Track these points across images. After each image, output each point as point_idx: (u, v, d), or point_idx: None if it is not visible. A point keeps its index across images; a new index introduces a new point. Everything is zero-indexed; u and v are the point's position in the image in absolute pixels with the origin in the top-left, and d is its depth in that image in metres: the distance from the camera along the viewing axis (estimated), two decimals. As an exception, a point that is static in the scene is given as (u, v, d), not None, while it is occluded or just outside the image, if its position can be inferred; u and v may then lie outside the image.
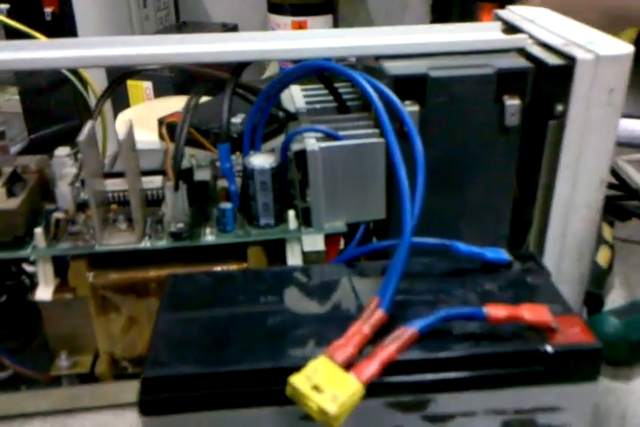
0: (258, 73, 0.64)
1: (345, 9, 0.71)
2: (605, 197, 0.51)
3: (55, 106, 0.59)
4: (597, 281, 0.39)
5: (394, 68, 0.28)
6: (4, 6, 0.54)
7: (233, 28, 0.71)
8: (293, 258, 0.30)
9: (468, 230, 0.32)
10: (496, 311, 0.21)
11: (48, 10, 0.54)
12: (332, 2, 0.65)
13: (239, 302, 0.23)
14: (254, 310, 0.23)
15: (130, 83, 0.60)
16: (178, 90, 0.59)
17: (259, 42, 0.29)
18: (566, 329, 0.22)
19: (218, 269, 0.30)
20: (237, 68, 0.30)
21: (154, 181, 0.32)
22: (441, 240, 0.25)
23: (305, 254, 0.30)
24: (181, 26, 0.72)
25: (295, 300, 0.23)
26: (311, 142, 0.28)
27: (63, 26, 0.56)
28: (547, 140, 0.29)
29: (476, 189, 0.30)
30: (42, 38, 0.37)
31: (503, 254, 0.25)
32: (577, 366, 0.21)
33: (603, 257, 0.40)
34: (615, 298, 0.41)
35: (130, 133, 0.28)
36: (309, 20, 0.63)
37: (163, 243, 0.29)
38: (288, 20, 0.64)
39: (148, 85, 0.59)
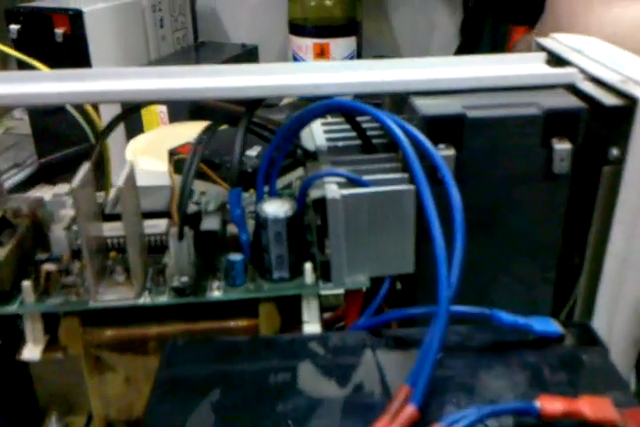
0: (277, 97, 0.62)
1: (369, 30, 0.69)
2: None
3: (66, 128, 0.56)
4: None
5: (426, 106, 0.25)
6: (15, 27, 0.52)
7: (253, 49, 0.69)
8: (310, 315, 0.27)
9: (511, 285, 0.28)
10: (552, 406, 0.18)
11: (59, 31, 0.52)
12: (356, 23, 0.62)
13: (244, 383, 0.20)
14: (261, 393, 0.20)
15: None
16: (194, 114, 0.56)
17: (275, 75, 0.26)
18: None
19: (226, 325, 0.27)
20: (252, 103, 0.27)
21: (158, 226, 0.29)
22: (481, 309, 0.22)
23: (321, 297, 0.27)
24: (199, 46, 0.70)
25: (310, 380, 0.20)
26: (332, 189, 0.25)
27: (75, 47, 0.54)
28: (600, 189, 0.26)
29: (519, 244, 0.27)
30: (44, 69, 0.35)
31: (553, 325, 0.22)
32: (648, 476, 0.18)
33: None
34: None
35: (130, 172, 0.25)
36: (332, 42, 0.61)
37: (164, 299, 0.26)
38: (310, 42, 0.61)
39: (162, 109, 0.57)
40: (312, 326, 0.27)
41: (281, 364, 0.21)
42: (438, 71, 0.27)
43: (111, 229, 0.28)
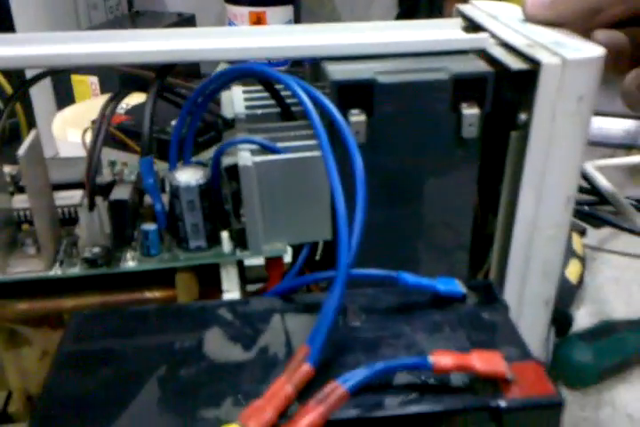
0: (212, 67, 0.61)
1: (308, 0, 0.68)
2: (577, 202, 0.49)
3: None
4: (566, 298, 0.37)
5: (337, 72, 0.25)
6: None
7: (189, 19, 0.67)
8: (229, 284, 0.27)
9: (426, 249, 0.29)
10: (444, 360, 0.18)
11: (-21, -2, 0.49)
12: (293, -8, 0.61)
13: (149, 350, 0.20)
14: (166, 359, 0.20)
15: (74, 78, 0.56)
16: (126, 85, 0.55)
17: (185, 39, 0.26)
18: (523, 379, 0.19)
19: (144, 296, 0.26)
20: (162, 69, 0.26)
21: (73, 197, 0.28)
22: (386, 271, 0.22)
23: (247, 269, 0.27)
24: (134, 15, 0.68)
25: (216, 345, 0.20)
26: (244, 156, 0.25)
27: (-3, 16, 0.51)
28: (508, 153, 0.26)
29: (433, 206, 0.27)
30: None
31: (457, 286, 0.22)
32: (535, 424, 0.19)
33: (572, 271, 0.38)
34: (585, 314, 0.38)
35: (34, 143, 0.25)
36: (268, 10, 0.60)
37: (75, 270, 0.25)
38: (245, 10, 0.60)
39: (93, 80, 0.55)
40: (232, 295, 0.27)
41: (187, 330, 0.21)
42: (352, 36, 0.27)
43: (22, 202, 0.27)
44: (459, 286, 0.22)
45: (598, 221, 0.47)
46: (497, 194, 0.28)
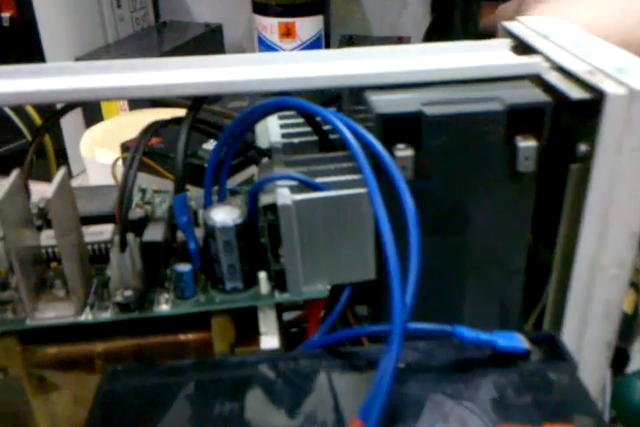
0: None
1: (338, 8, 0.66)
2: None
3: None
4: (622, 331, 0.35)
5: (382, 103, 0.23)
6: (-44, 12, 0.49)
7: (216, 29, 0.66)
8: (267, 327, 0.25)
9: (477, 290, 0.27)
10: (511, 436, 0.17)
11: (6, 15, 0.49)
12: (323, 1, 0.59)
13: (186, 412, 0.19)
14: (204, 422, 0.18)
15: (102, 94, 0.55)
16: (156, 101, 0.54)
17: (219, 69, 0.24)
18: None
19: (177, 339, 0.25)
20: (196, 101, 0.25)
21: (103, 232, 0.27)
22: (441, 325, 0.20)
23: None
24: (161, 26, 0.67)
25: (258, 410, 0.19)
26: (283, 194, 0.23)
27: (24, 32, 0.51)
28: (567, 187, 0.24)
29: (486, 245, 0.25)
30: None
31: (518, 341, 0.21)
32: None
33: (628, 302, 0.36)
34: (640, 346, 0.36)
35: (63, 183, 0.23)
36: (298, 21, 0.58)
37: (107, 315, 0.24)
38: (275, 21, 0.58)
39: (121, 102, 0.54)
40: (270, 338, 0.25)
41: (225, 390, 0.19)
42: (396, 63, 0.25)
43: (50, 238, 0.26)
44: (521, 342, 0.20)
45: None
46: (553, 229, 0.26)
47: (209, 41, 0.66)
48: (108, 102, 0.55)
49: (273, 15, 0.58)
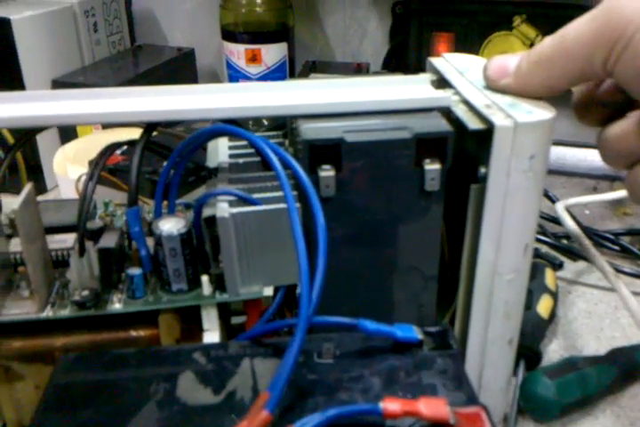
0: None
1: (303, 35, 0.70)
2: (555, 235, 0.51)
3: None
4: (537, 333, 0.39)
5: (309, 131, 0.27)
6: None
7: (189, 53, 0.70)
8: (209, 324, 0.29)
9: (397, 293, 0.31)
10: (393, 406, 0.20)
11: (-15, 39, 0.52)
12: (287, 29, 0.64)
13: (127, 392, 0.22)
14: (141, 400, 0.22)
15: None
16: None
17: (171, 96, 0.28)
18: (466, 424, 0.21)
19: (129, 335, 0.28)
20: (149, 125, 0.28)
21: (66, 240, 0.30)
22: (348, 319, 0.24)
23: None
24: (136, 50, 0.71)
25: (188, 389, 0.22)
26: (222, 208, 0.27)
27: (4, 55, 0.54)
28: (469, 204, 0.28)
29: (401, 253, 0.29)
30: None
31: (413, 332, 0.24)
32: (476, 466, 0.20)
33: (543, 307, 0.40)
34: (557, 349, 0.40)
35: (28, 197, 0.27)
36: (263, 47, 0.62)
37: (66, 312, 0.27)
38: (242, 47, 0.62)
39: (95, 117, 0.58)
40: (212, 334, 0.29)
41: (163, 375, 0.23)
42: (325, 94, 0.29)
43: (18, 245, 0.29)
44: (415, 333, 0.24)
45: (575, 255, 0.49)
46: (461, 241, 0.30)
47: (182, 64, 0.69)
48: (82, 121, 0.58)
49: (240, 42, 0.62)
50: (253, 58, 0.63)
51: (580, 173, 0.65)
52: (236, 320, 0.32)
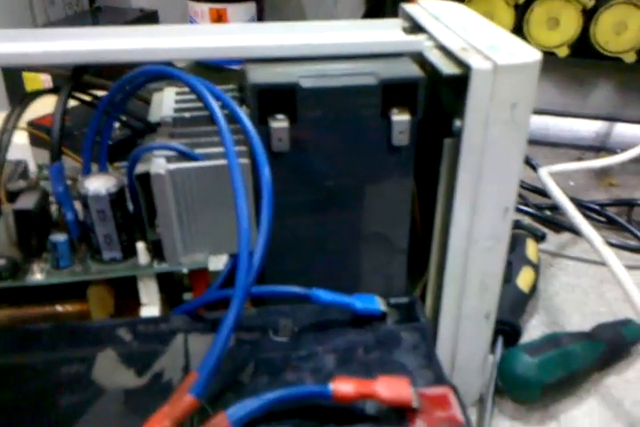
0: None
1: (273, -4, 0.66)
2: (537, 206, 0.48)
3: None
4: (517, 307, 0.36)
5: (259, 74, 0.24)
6: None
7: (151, 14, 0.65)
8: (148, 297, 0.25)
9: (362, 261, 0.27)
10: (345, 388, 0.17)
11: None
12: (256, -12, 0.59)
13: (36, 375, 0.19)
14: (51, 386, 0.18)
15: (26, 75, 0.54)
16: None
17: (107, 39, 0.24)
18: (432, 407, 0.18)
19: (55, 310, 0.25)
20: (76, 70, 0.25)
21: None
22: (300, 288, 0.21)
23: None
24: (95, 11, 0.66)
25: (106, 370, 0.19)
26: (157, 163, 0.23)
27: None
28: (442, 161, 0.25)
29: (367, 216, 0.26)
30: None
31: (376, 304, 0.21)
32: (444, 457, 0.17)
33: (524, 280, 0.37)
34: (538, 324, 0.37)
35: None
36: (229, 7, 0.58)
37: (-23, 284, 0.24)
38: (206, 6, 0.58)
39: (46, 78, 0.53)
40: (151, 309, 0.25)
41: (79, 354, 0.19)
42: (280, 37, 0.25)
43: None
44: (378, 304, 0.21)
45: (559, 226, 0.46)
46: (433, 204, 0.26)
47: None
48: (32, 84, 0.54)
49: (204, 0, 0.58)
50: (218, 18, 0.58)
51: (564, 144, 0.62)
52: (189, 296, 0.29)
